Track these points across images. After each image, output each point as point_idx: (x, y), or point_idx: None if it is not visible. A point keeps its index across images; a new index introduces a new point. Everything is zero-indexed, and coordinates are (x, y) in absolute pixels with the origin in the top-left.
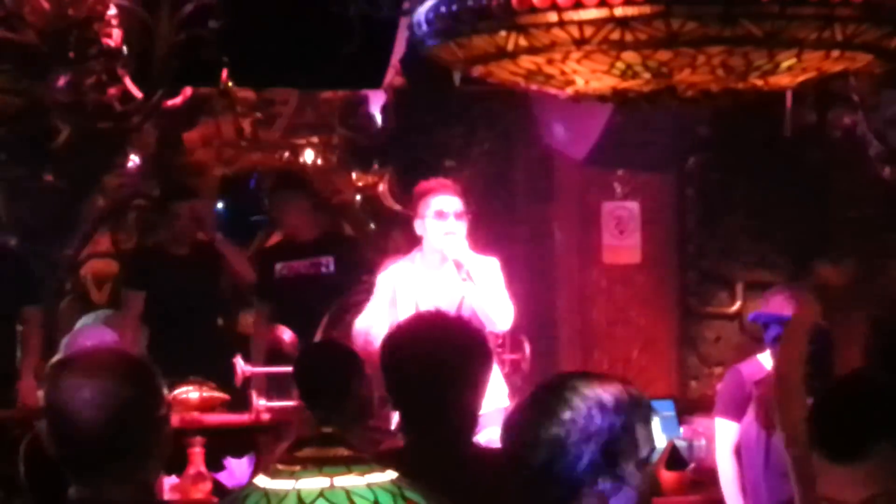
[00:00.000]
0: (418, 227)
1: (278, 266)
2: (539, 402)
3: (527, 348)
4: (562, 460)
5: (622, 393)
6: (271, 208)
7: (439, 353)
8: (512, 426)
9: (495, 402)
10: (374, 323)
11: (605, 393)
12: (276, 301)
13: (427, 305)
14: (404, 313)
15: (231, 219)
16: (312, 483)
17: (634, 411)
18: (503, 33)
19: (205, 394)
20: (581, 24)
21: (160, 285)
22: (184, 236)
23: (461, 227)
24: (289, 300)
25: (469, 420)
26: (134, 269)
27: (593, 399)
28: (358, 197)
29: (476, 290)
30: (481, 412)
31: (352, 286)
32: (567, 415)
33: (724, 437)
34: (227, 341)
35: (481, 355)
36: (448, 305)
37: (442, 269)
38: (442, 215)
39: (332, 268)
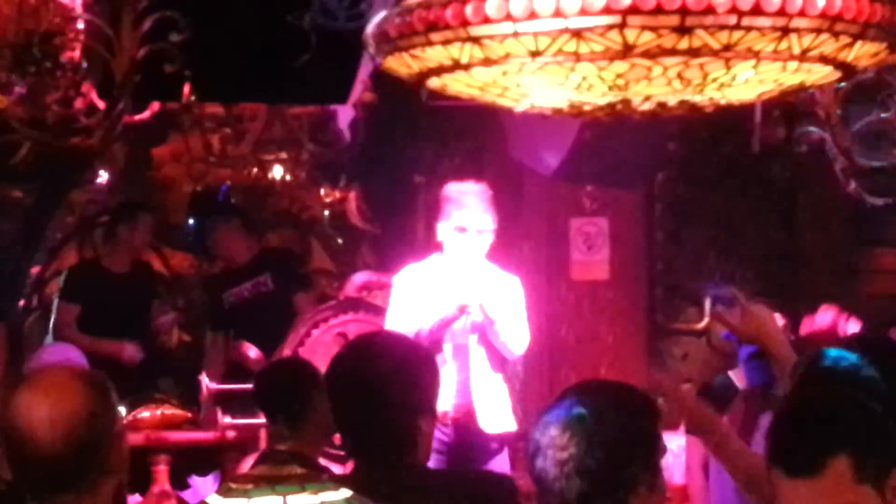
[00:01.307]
0: (440, 230)
1: (225, 295)
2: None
3: None
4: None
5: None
6: (206, 238)
7: (375, 374)
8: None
9: (502, 425)
10: (400, 324)
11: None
12: (232, 328)
13: (444, 309)
14: (423, 314)
15: (199, 234)
16: (265, 501)
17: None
18: (457, 45)
19: (167, 412)
20: (535, 35)
21: (96, 301)
22: (136, 251)
23: (482, 242)
24: (243, 326)
25: (411, 442)
26: (71, 282)
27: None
28: (326, 213)
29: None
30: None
31: (291, 296)
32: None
33: (693, 453)
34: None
35: (420, 375)
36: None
37: (458, 278)
38: (462, 230)
39: (270, 285)
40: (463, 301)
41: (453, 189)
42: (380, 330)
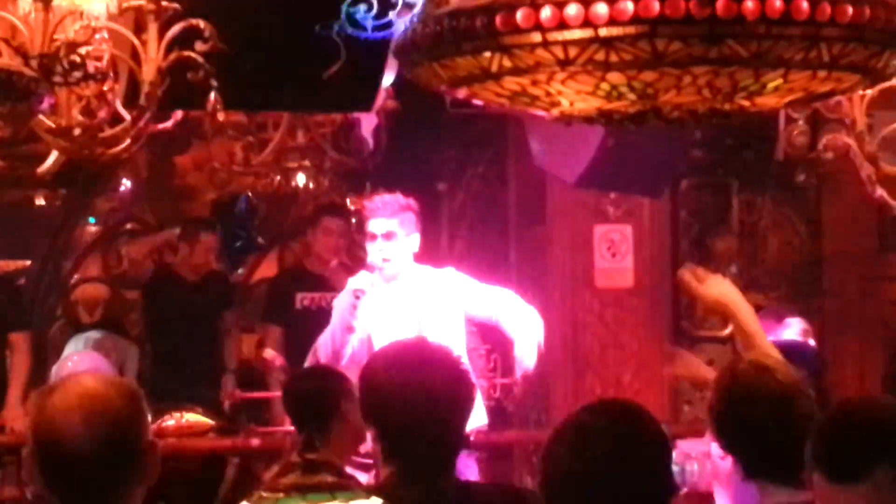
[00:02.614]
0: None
1: (300, 296)
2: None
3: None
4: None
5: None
6: (309, 233)
7: (426, 383)
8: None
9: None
10: (333, 341)
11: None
12: (294, 327)
13: (386, 325)
14: (368, 331)
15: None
16: None
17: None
18: (487, 54)
19: (191, 419)
20: (565, 44)
21: (170, 307)
22: (201, 265)
23: (394, 248)
24: (304, 330)
25: (451, 453)
26: (150, 289)
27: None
28: (352, 220)
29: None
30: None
31: None
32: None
33: (721, 459)
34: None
35: (465, 386)
36: (404, 323)
37: (389, 288)
38: (373, 238)
39: None
40: (356, 286)
41: (367, 202)
42: (417, 340)
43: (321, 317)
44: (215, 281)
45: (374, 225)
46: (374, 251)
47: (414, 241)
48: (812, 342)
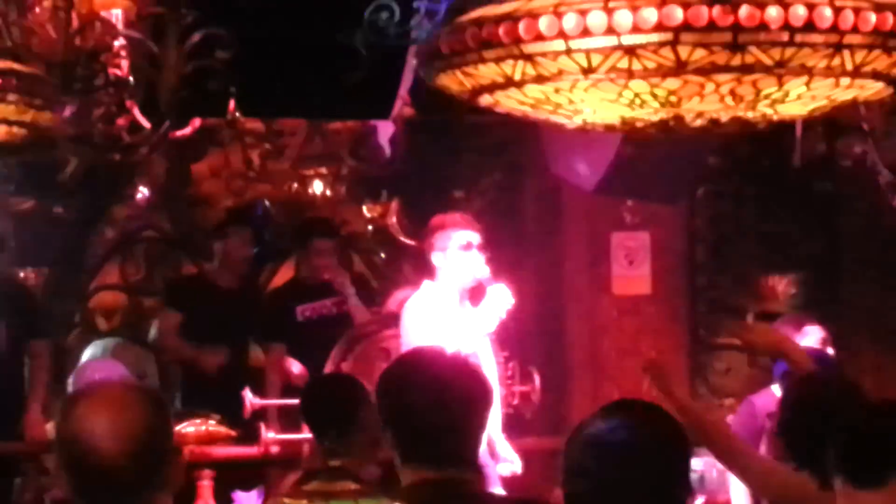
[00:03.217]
0: (437, 259)
1: (300, 308)
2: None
3: (536, 380)
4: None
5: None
6: (302, 252)
7: (450, 392)
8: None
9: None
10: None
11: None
12: (297, 341)
13: (453, 338)
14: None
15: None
16: None
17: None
18: (510, 62)
19: (211, 428)
20: (588, 52)
21: (200, 314)
22: (235, 265)
23: (483, 260)
24: (312, 340)
25: (470, 456)
26: (173, 291)
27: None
28: (370, 227)
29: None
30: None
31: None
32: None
33: None
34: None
35: (486, 396)
36: (469, 339)
37: (461, 303)
38: (469, 247)
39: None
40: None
41: (447, 217)
42: (438, 350)
43: (324, 325)
44: (248, 288)
45: (470, 236)
46: (472, 261)
47: None
48: (831, 350)
